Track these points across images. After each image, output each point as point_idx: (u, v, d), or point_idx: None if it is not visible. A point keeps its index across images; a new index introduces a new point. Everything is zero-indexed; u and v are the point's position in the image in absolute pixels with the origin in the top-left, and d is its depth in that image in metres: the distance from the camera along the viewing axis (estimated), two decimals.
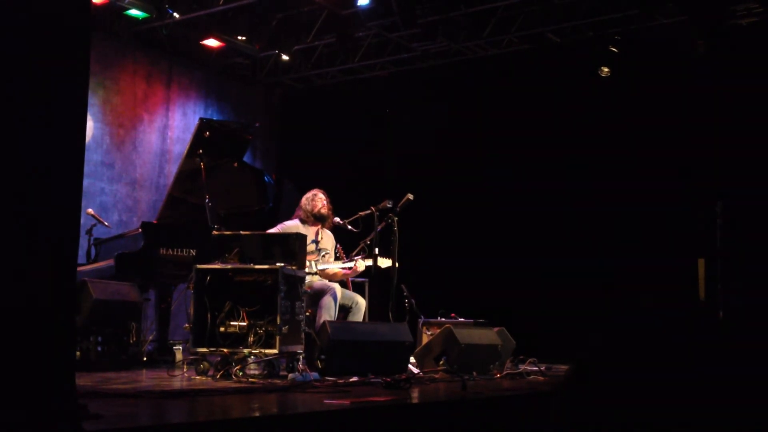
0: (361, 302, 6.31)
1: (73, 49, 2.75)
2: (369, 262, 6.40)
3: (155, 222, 7.06)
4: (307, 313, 5.69)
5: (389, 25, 9.32)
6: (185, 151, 7.08)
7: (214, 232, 5.88)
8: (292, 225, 6.45)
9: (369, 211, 6.45)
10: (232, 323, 5.04)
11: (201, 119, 7.21)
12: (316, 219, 6.49)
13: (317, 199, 6.53)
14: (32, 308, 2.51)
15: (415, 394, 4.37)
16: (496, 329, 6.37)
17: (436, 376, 5.47)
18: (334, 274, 6.45)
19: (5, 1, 2.54)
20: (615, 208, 8.38)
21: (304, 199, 6.58)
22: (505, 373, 5.80)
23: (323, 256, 6.46)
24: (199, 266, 5.18)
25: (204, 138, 6.98)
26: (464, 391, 4.45)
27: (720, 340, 0.95)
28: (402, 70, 10.33)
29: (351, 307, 6.23)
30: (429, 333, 6.73)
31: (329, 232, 6.63)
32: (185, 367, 5.49)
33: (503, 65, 9.49)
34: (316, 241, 6.44)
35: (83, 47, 2.79)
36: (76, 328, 4.67)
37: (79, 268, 5.70)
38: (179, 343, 6.54)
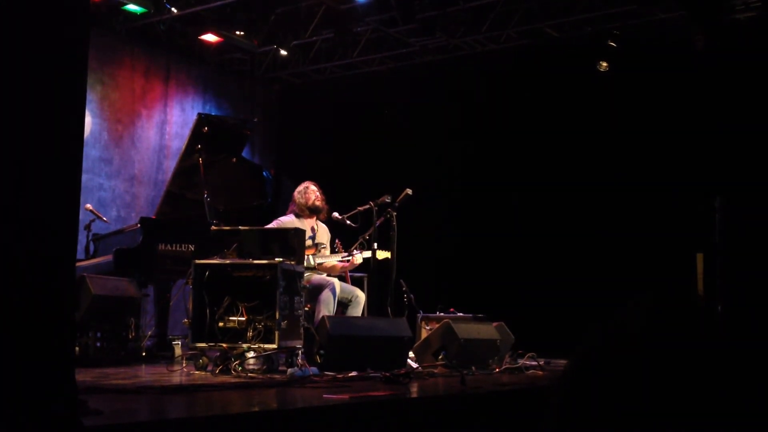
0: (361, 295, 6.31)
1: (72, 44, 2.75)
2: (367, 254, 6.41)
3: (154, 217, 7.05)
4: (306, 308, 5.69)
5: (387, 21, 9.31)
6: (183, 147, 7.08)
7: (213, 228, 5.88)
8: (288, 221, 6.45)
9: (368, 206, 6.46)
10: (231, 318, 5.04)
11: (199, 115, 7.20)
12: (311, 211, 6.49)
13: (310, 192, 6.53)
14: (31, 304, 2.51)
15: (414, 389, 4.38)
16: (495, 324, 6.37)
17: (435, 370, 5.48)
18: (332, 267, 6.45)
19: None
20: (613, 202, 8.39)
21: (296, 193, 6.57)
22: (504, 367, 5.80)
23: (320, 250, 6.47)
24: (197, 261, 5.18)
25: (202, 133, 6.97)
26: (463, 386, 4.45)
27: (720, 336, 0.95)
28: (400, 65, 10.32)
29: (351, 300, 6.23)
30: (428, 328, 6.73)
31: (324, 225, 6.63)
32: (184, 362, 5.49)
33: (502, 60, 9.48)
34: (312, 236, 6.44)
35: (82, 43, 2.79)
36: (75, 323, 4.67)
37: (77, 264, 5.70)
38: (178, 339, 6.54)
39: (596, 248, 8.40)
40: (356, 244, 6.51)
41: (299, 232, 5.55)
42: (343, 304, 6.22)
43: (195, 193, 7.00)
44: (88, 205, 7.45)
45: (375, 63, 10.43)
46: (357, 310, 6.25)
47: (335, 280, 6.12)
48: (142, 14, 9.03)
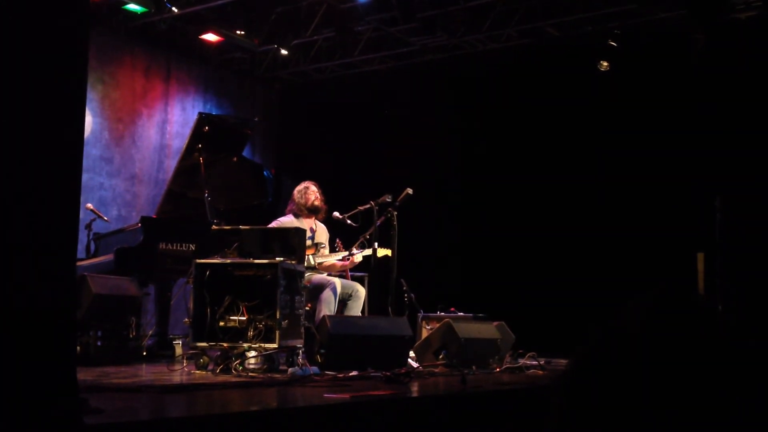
0: (361, 290, 6.32)
1: (72, 43, 2.75)
2: (366, 252, 6.42)
3: (154, 217, 7.06)
4: (307, 308, 5.70)
5: (388, 20, 9.31)
6: (184, 146, 7.08)
7: (214, 227, 5.88)
8: (287, 221, 6.47)
9: (368, 206, 6.46)
10: (231, 318, 5.04)
11: (200, 114, 7.20)
12: (310, 211, 6.50)
13: (310, 192, 6.54)
14: (32, 303, 2.51)
15: (414, 389, 4.38)
16: (495, 323, 6.38)
17: (436, 370, 5.48)
18: (332, 266, 6.46)
19: None
20: (614, 202, 8.39)
21: (296, 192, 6.58)
22: (504, 367, 5.81)
23: (319, 249, 6.47)
24: (198, 261, 5.18)
25: (203, 133, 6.98)
26: (464, 385, 4.46)
27: (720, 335, 0.95)
28: (401, 64, 10.32)
29: (351, 295, 6.24)
30: (428, 327, 6.73)
31: (322, 225, 6.64)
32: (185, 361, 5.50)
33: (502, 60, 9.48)
34: (311, 236, 6.45)
35: (82, 42, 2.79)
36: (76, 322, 4.68)
37: (78, 263, 5.71)
38: (179, 338, 6.55)
39: (597, 248, 8.40)
40: (357, 243, 6.51)
41: (300, 232, 5.55)
42: (344, 301, 6.23)
43: (196, 192, 7.01)
44: (89, 205, 7.45)
45: (375, 62, 10.43)
46: (357, 304, 6.26)
47: (336, 280, 6.13)
48: (142, 13, 9.03)
